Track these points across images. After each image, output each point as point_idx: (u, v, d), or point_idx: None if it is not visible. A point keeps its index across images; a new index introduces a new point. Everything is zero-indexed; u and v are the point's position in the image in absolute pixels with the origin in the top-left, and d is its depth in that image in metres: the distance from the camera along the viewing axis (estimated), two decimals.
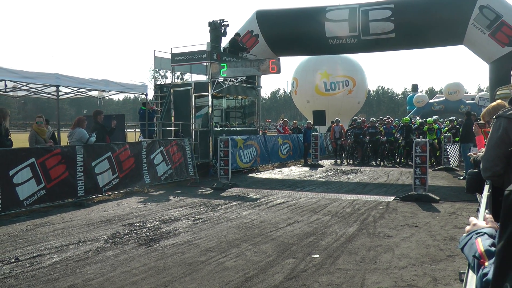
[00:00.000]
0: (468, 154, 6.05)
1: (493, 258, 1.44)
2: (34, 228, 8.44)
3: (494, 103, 4.77)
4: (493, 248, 1.58)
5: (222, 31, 19.02)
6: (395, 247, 7.03)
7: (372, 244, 7.19)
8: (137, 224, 8.70)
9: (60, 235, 7.90)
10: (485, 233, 1.71)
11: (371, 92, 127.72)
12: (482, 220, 1.94)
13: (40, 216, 9.57)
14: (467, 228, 1.86)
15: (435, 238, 7.59)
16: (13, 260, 6.35)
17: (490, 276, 1.41)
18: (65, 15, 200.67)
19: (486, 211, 1.96)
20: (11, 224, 8.83)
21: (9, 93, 13.84)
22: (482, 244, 1.63)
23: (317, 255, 6.54)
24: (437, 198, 11.36)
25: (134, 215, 9.68)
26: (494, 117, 3.49)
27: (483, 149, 5.11)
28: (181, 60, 18.02)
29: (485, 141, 5.74)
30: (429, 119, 21.56)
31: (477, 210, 9.26)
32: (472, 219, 1.90)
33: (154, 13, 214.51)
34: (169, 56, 18.40)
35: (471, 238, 1.74)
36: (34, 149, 10.53)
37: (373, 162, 22.08)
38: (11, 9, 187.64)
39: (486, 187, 3.66)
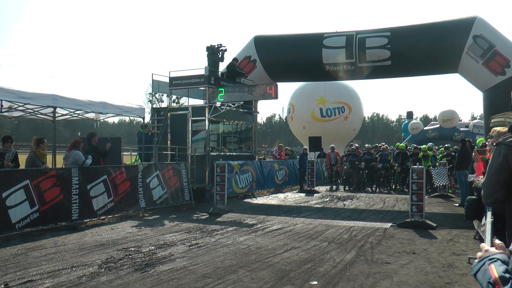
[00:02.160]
0: (472, 179, 6.05)
1: (508, 284, 1.42)
2: (25, 252, 8.29)
3: (501, 129, 4.78)
4: (507, 275, 1.57)
5: (220, 56, 19.10)
6: (394, 274, 6.95)
7: (371, 271, 7.11)
8: (132, 249, 8.58)
9: (52, 259, 7.76)
10: (498, 259, 1.69)
11: (366, 118, 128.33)
12: (490, 245, 1.92)
13: (32, 240, 9.41)
14: (479, 254, 1.84)
15: (433, 265, 7.52)
16: (2, 286, 6.20)
17: None
18: (64, 35, 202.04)
19: (497, 238, 1.93)
20: (1, 248, 8.65)
21: (4, 113, 13.77)
22: (496, 270, 1.62)
23: (316, 282, 6.45)
24: (434, 225, 11.33)
25: (129, 239, 9.56)
26: (495, 144, 3.50)
27: (481, 176, 5.11)
28: (179, 84, 18.05)
29: (484, 168, 5.74)
30: (424, 146, 21.69)
31: (474, 237, 9.26)
32: (484, 245, 1.88)
33: (152, 36, 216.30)
34: (167, 80, 18.44)
35: (484, 264, 1.72)
36: (29, 171, 10.43)
37: (369, 189, 22.10)
38: (12, 28, 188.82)
39: (489, 214, 3.64)
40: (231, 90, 16.58)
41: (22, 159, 12.59)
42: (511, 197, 3.30)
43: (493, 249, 1.83)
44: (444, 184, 18.82)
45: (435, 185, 18.61)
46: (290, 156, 25.91)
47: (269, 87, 15.80)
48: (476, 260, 1.82)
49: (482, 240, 8.84)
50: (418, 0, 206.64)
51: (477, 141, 15.04)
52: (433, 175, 18.27)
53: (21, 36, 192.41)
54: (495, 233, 3.20)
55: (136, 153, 19.86)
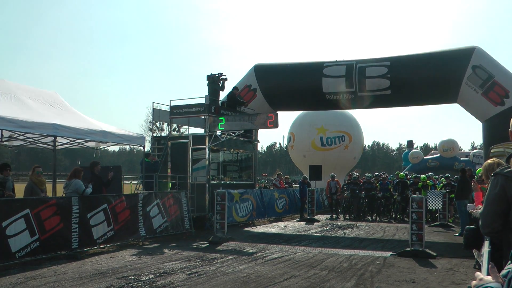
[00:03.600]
0: (470, 210, 6.09)
1: None
2: (25, 281, 8.27)
3: (489, 160, 4.83)
4: None
5: (220, 85, 19.27)
6: None
7: None
8: (132, 278, 8.56)
9: None
10: (492, 287, 1.72)
11: (367, 147, 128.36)
12: (486, 274, 1.95)
13: (31, 269, 9.38)
14: (474, 282, 1.87)
15: None
16: None
17: None
18: (63, 62, 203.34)
19: (491, 263, 1.97)
20: (1, 277, 8.63)
21: (4, 143, 13.84)
22: None
23: None
24: (434, 254, 11.31)
25: (129, 268, 9.54)
26: (492, 174, 3.55)
27: (480, 206, 5.15)
28: (179, 112, 18.19)
29: (483, 198, 5.78)
30: (423, 176, 21.75)
31: (474, 267, 9.22)
32: (478, 274, 1.92)
33: (152, 65, 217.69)
34: (168, 109, 18.60)
35: None
36: (29, 200, 10.46)
37: (369, 217, 22.06)
38: (13, 55, 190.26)
39: (486, 243, 3.67)
40: (231, 119, 16.70)
41: (21, 187, 12.66)
42: (508, 227, 3.34)
43: (487, 278, 1.86)
44: (437, 208, 18.90)
45: (428, 207, 18.48)
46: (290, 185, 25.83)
47: (269, 116, 15.92)
48: None
49: None
50: (418, 30, 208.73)
51: (477, 170, 15.06)
52: (428, 198, 18.30)
53: (21, 65, 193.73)
54: (493, 262, 3.23)
55: (136, 182, 19.84)
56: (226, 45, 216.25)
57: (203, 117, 18.64)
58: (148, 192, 14.43)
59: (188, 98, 18.11)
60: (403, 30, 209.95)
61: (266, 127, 16.04)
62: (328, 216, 23.23)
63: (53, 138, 12.69)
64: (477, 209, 5.08)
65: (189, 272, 9.13)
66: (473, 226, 5.07)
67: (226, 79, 19.46)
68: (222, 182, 18.69)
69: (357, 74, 19.62)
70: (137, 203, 13.22)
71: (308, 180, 23.16)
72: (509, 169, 3.32)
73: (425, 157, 47.18)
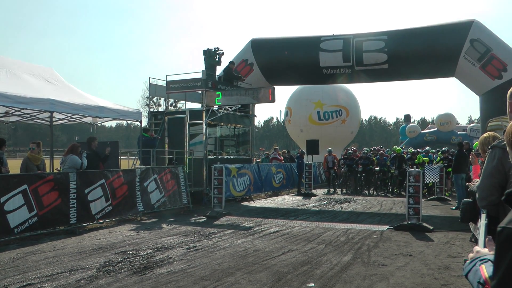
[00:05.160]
0: (467, 184, 6.11)
1: None
2: (24, 256, 8.31)
3: (485, 134, 4.84)
4: None
5: (217, 59, 19.15)
6: (390, 276, 7.00)
7: (367, 272, 7.16)
8: (130, 252, 8.60)
9: (51, 263, 7.78)
10: (489, 259, 1.73)
11: (364, 122, 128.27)
12: (482, 247, 1.96)
13: (30, 244, 9.43)
14: (471, 255, 1.88)
15: (429, 267, 7.57)
16: None
17: None
18: (59, 38, 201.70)
19: (489, 236, 1.98)
20: (0, 252, 8.67)
21: (1, 119, 13.77)
22: (486, 270, 1.66)
23: (313, 284, 6.49)
24: (431, 227, 11.38)
25: (127, 243, 9.59)
26: (489, 147, 3.55)
27: (477, 179, 5.16)
28: (176, 87, 18.09)
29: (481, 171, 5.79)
30: (419, 155, 21.79)
31: (470, 240, 9.28)
32: (476, 247, 1.92)
33: (148, 40, 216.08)
34: (164, 84, 18.50)
35: (475, 264, 1.77)
36: (26, 176, 10.44)
37: (366, 192, 22.14)
38: (9, 31, 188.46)
39: (483, 216, 3.68)
40: (228, 94, 16.63)
41: (18, 163, 12.64)
42: None
43: (484, 250, 1.87)
44: (434, 181, 18.97)
45: (426, 181, 18.55)
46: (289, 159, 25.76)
47: (266, 90, 15.85)
48: (467, 261, 1.87)
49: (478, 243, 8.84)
50: (415, 3, 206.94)
51: (474, 144, 15.09)
52: (425, 172, 18.35)
53: (17, 41, 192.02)
54: (490, 235, 3.24)
55: (133, 157, 19.82)
56: (223, 19, 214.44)
57: (200, 91, 18.57)
58: (146, 167, 14.42)
59: (185, 73, 18.03)
60: (400, 4, 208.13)
61: (263, 101, 15.99)
62: (325, 190, 23.32)
63: (50, 113, 12.62)
64: (474, 182, 5.09)
65: (187, 246, 9.19)
66: (470, 200, 5.09)
67: (222, 53, 19.34)
68: (220, 157, 18.70)
69: (354, 48, 19.53)
70: (134, 179, 13.23)
71: (305, 154, 23.22)
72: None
73: (422, 131, 47.25)
